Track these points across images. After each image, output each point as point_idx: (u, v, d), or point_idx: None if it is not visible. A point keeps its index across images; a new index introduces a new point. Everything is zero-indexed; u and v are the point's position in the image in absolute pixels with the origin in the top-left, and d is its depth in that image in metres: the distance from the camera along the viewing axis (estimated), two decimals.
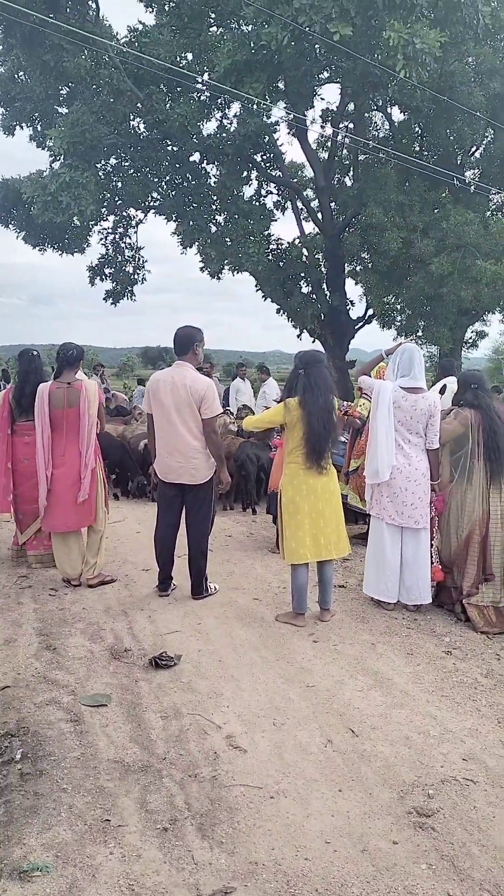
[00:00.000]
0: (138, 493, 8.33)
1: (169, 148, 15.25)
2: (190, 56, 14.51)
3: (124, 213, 17.18)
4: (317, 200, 17.56)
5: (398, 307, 17.36)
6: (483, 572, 4.54)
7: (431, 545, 4.78)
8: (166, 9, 14.56)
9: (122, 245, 17.77)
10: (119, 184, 15.61)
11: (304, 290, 17.23)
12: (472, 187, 15.54)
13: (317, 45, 11.95)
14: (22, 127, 15.81)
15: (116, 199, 15.81)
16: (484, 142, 16.39)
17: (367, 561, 4.91)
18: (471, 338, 20.24)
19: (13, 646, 4.02)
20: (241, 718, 3.30)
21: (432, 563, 4.76)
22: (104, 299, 17.82)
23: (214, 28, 14.70)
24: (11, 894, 2.17)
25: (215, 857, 2.38)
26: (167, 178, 16.12)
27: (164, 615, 4.59)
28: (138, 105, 13.93)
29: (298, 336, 17.74)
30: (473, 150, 16.77)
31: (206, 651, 4.04)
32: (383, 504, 4.75)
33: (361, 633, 4.40)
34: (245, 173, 16.25)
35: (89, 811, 2.59)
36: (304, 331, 17.45)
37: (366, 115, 17.16)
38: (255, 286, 17.05)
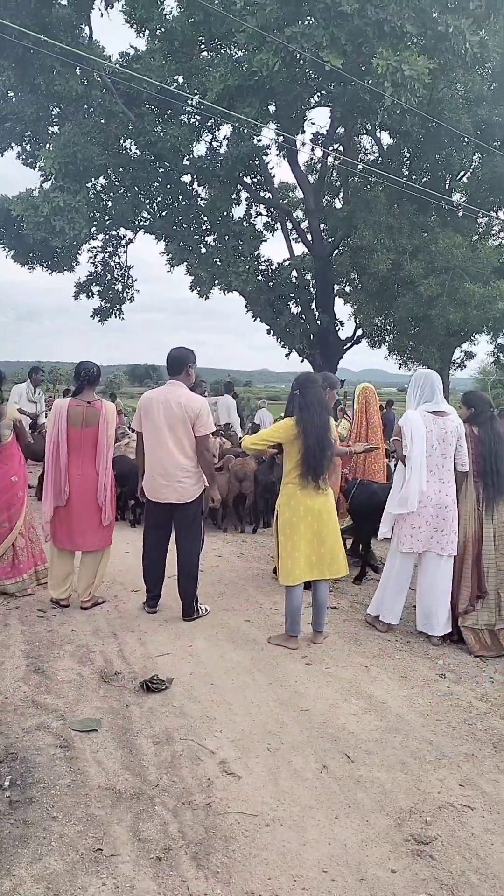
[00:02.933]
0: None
1: (160, 169, 15.37)
2: (181, 80, 14.68)
3: (114, 233, 17.26)
4: (307, 222, 17.72)
5: (387, 328, 17.50)
6: (479, 589, 4.52)
7: None
8: (157, 34, 14.73)
9: (112, 264, 17.84)
10: (109, 203, 15.70)
11: (294, 310, 17.36)
12: (461, 211, 15.77)
13: (308, 71, 12.13)
14: (11, 147, 15.88)
15: (107, 218, 15.89)
16: (472, 167, 16.66)
17: (381, 585, 4.85)
18: (459, 358, 20.42)
19: (0, 669, 3.94)
20: (235, 743, 3.24)
21: None
22: (92, 316, 17.88)
23: (205, 53, 14.89)
24: None
25: (211, 887, 2.33)
26: (158, 198, 16.25)
27: (155, 637, 4.53)
28: (130, 126, 14.06)
29: (287, 356, 17.85)
30: (461, 174, 17.05)
31: (198, 674, 3.98)
32: (415, 535, 4.61)
33: (355, 656, 4.36)
34: (235, 195, 16.41)
35: (81, 840, 2.52)
36: (294, 350, 17.53)
37: (355, 138, 17.42)
38: (245, 306, 17.14)
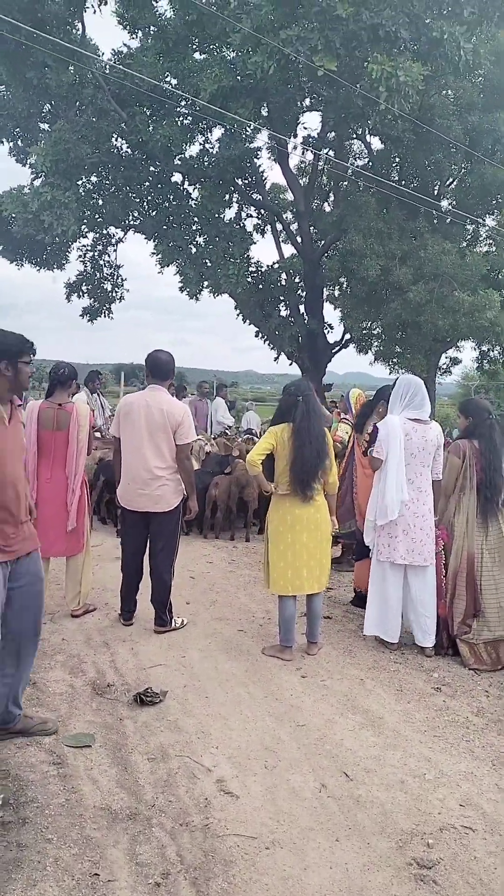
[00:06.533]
0: None
1: (151, 169, 15.27)
2: (174, 80, 14.58)
3: (104, 231, 17.13)
4: (297, 224, 17.68)
5: (375, 332, 17.50)
6: (474, 607, 4.48)
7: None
8: (150, 32, 14.63)
9: (101, 263, 17.69)
10: (100, 202, 15.57)
11: (283, 312, 17.30)
12: (449, 218, 15.80)
13: (301, 75, 12.08)
14: (2, 142, 15.72)
15: (97, 216, 15.75)
16: (460, 173, 16.68)
17: (369, 601, 4.73)
18: (445, 364, 20.48)
19: None
20: (232, 760, 3.18)
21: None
22: (81, 316, 17.70)
23: (198, 53, 14.79)
24: None
25: None
26: (148, 197, 16.14)
27: (147, 647, 4.46)
28: (122, 125, 13.94)
29: (276, 359, 17.79)
30: (450, 181, 17.07)
31: (192, 686, 3.92)
32: (392, 544, 4.57)
33: (350, 668, 4.32)
34: (226, 196, 16.33)
35: (76, 864, 2.45)
36: (282, 353, 17.48)
37: (346, 143, 17.39)
38: (235, 308, 17.07)
